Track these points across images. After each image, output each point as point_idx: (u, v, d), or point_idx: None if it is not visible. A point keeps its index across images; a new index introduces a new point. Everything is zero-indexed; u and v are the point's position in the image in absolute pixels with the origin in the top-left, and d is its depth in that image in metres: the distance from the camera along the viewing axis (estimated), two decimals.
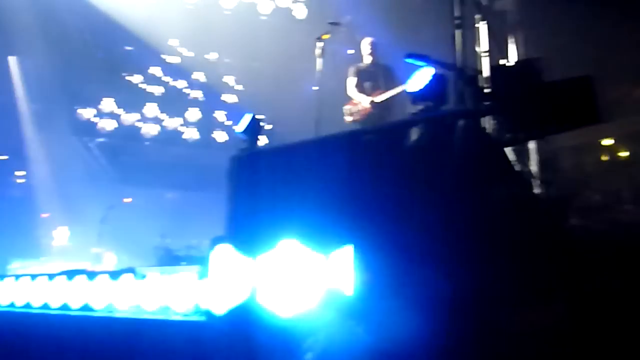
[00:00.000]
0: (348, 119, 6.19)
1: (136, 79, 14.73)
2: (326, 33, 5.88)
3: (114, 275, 5.37)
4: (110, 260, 12.06)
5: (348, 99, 6.32)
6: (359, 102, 6.10)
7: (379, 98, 5.96)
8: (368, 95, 6.04)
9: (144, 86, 14.85)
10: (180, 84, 15.18)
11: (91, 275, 5.73)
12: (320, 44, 5.82)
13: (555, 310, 3.06)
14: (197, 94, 15.38)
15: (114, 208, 12.31)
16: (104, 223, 11.97)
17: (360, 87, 6.19)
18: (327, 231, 3.44)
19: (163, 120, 15.09)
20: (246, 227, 4.16)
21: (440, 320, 2.76)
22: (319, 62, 5.78)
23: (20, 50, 13.40)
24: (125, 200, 14.68)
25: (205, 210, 12.83)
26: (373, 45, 6.27)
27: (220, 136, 15.34)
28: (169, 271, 5.19)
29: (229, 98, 15.59)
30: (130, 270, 5.40)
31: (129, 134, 14.90)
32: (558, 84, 3.53)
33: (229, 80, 15.56)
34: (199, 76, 15.24)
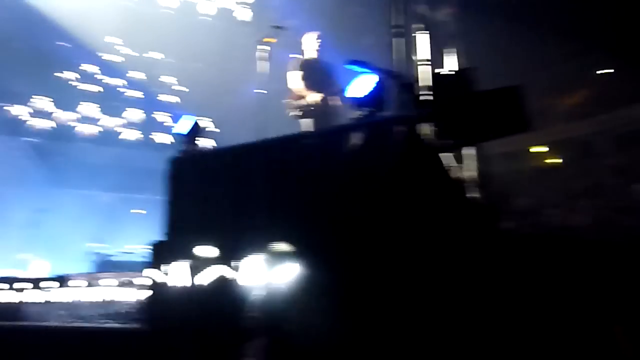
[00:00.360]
0: (293, 113, 5.96)
1: (70, 76, 14.06)
2: (269, 36, 5.83)
3: (38, 282, 5.08)
4: (38, 266, 11.39)
5: (290, 93, 6.12)
6: (306, 96, 5.91)
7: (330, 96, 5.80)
8: (314, 90, 5.87)
9: (78, 84, 14.21)
10: (119, 82, 14.66)
11: (12, 281, 5.39)
12: (263, 47, 5.76)
13: (483, 310, 3.19)
14: (137, 94, 14.91)
15: (43, 211, 11.65)
16: (31, 227, 11.30)
17: (306, 81, 6.03)
18: (260, 233, 3.45)
19: (99, 119, 14.51)
20: (184, 231, 4.08)
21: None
22: (262, 65, 5.73)
23: None
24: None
25: (143, 213, 12.44)
26: (320, 40, 6.11)
27: (160, 137, 14.93)
28: (103, 277, 4.99)
29: (171, 99, 15.24)
30: (60, 277, 5.14)
31: (63, 133, 14.21)
32: (490, 93, 3.70)
33: (171, 80, 15.22)
34: (139, 76, 14.80)
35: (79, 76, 14.18)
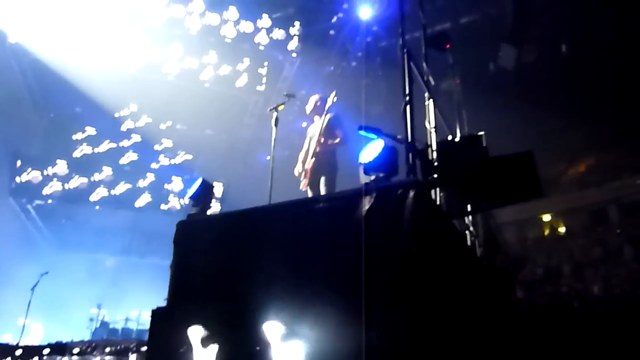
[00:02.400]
0: (301, 185, 6.00)
1: (85, 141, 14.43)
2: (281, 104, 5.96)
3: (40, 350, 4.90)
4: (38, 332, 11.11)
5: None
6: (303, 163, 5.95)
7: (312, 149, 5.78)
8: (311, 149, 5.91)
9: (93, 148, 14.55)
10: (133, 147, 14.99)
11: (12, 349, 5.21)
12: (274, 114, 5.88)
13: None
14: (149, 158, 15.20)
15: (47, 274, 11.51)
16: (35, 290, 11.12)
17: (307, 145, 6.07)
18: (271, 300, 3.33)
19: (112, 183, 14.69)
20: (188, 298, 3.95)
21: None
22: (274, 132, 5.81)
23: None
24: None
25: (148, 277, 12.25)
26: (319, 100, 6.14)
27: (171, 202, 15.06)
28: (103, 345, 4.81)
29: (183, 163, 15.52)
30: (60, 344, 4.96)
31: (74, 197, 14.35)
32: (502, 159, 3.69)
33: (182, 145, 15.56)
34: (152, 140, 15.16)
35: (93, 140, 14.53)
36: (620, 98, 15.11)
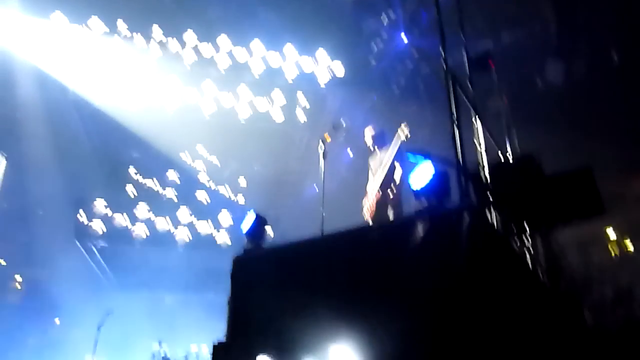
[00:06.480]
0: (365, 214, 5.99)
1: (146, 184, 15.15)
2: (328, 135, 6.04)
3: None
4: None
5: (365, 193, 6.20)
6: (369, 196, 5.97)
7: (375, 192, 5.79)
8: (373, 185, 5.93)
9: (159, 190, 15.25)
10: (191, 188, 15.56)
11: None
12: (322, 145, 5.95)
13: None
14: (203, 196, 15.70)
15: (111, 314, 11.91)
16: (100, 328, 11.51)
17: (371, 179, 6.08)
18: (332, 335, 3.30)
19: (181, 223, 15.26)
20: (248, 331, 3.98)
21: None
22: (322, 163, 5.87)
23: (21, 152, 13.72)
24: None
25: (206, 313, 12.44)
26: (374, 134, 6.16)
27: (224, 237, 15.44)
28: None
29: (236, 198, 15.92)
30: None
31: (157, 238, 15.01)
32: (560, 177, 3.57)
33: (241, 181, 16.02)
34: (204, 179, 15.68)
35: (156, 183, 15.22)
36: None
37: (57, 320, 14.51)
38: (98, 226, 14.62)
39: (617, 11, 13.01)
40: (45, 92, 12.44)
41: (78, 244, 14.60)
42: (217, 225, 15.63)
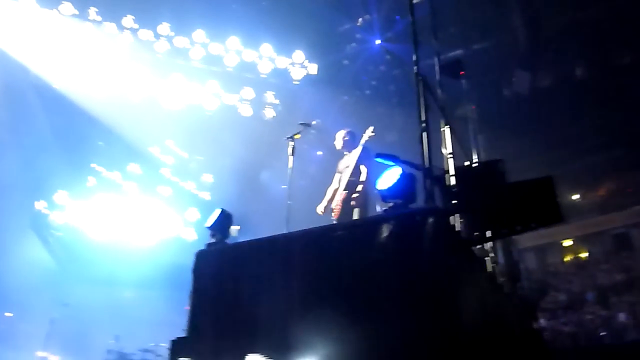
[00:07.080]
0: (333, 214, 5.98)
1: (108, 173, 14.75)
2: (297, 133, 6.00)
3: None
4: None
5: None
6: (330, 200, 5.97)
7: (341, 192, 5.80)
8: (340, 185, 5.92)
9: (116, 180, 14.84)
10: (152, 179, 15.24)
11: None
12: (291, 143, 5.91)
13: None
14: (167, 191, 15.39)
15: (66, 306, 11.55)
16: (53, 323, 11.15)
17: (338, 182, 6.06)
18: (291, 332, 3.28)
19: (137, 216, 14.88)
20: (205, 328, 3.92)
21: None
22: (290, 161, 5.83)
23: None
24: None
25: (167, 309, 12.21)
26: (346, 137, 6.11)
27: (189, 233, 15.18)
28: None
29: (201, 194, 15.67)
30: None
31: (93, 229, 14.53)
32: (522, 185, 3.66)
33: (205, 177, 15.77)
34: (168, 172, 15.38)
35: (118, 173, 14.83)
36: (638, 121, 14.95)
37: (8, 314, 13.94)
38: (56, 216, 14.11)
39: (583, 27, 13.50)
40: (4, 72, 11.99)
41: (34, 233, 14.08)
42: (186, 223, 15.40)
